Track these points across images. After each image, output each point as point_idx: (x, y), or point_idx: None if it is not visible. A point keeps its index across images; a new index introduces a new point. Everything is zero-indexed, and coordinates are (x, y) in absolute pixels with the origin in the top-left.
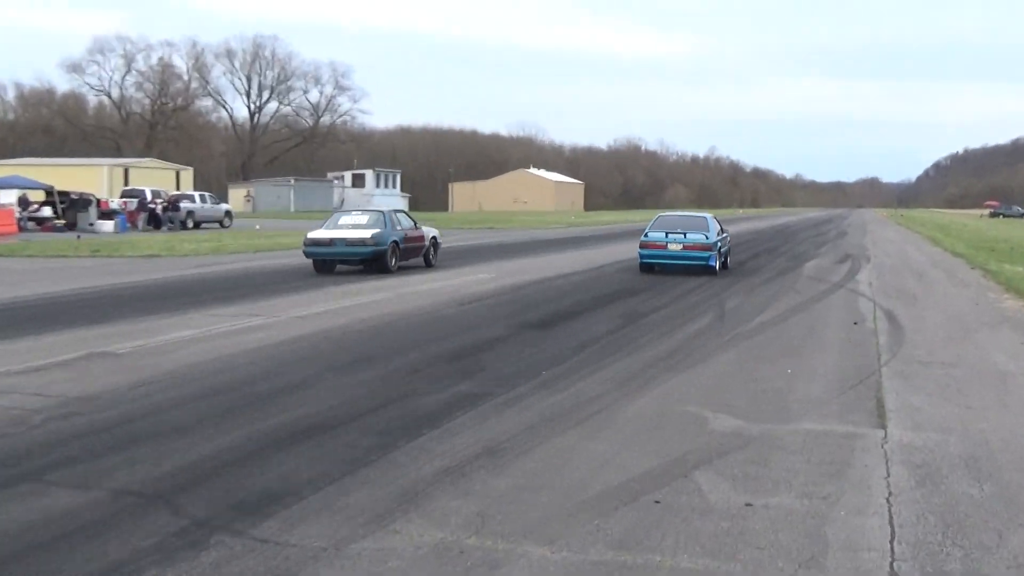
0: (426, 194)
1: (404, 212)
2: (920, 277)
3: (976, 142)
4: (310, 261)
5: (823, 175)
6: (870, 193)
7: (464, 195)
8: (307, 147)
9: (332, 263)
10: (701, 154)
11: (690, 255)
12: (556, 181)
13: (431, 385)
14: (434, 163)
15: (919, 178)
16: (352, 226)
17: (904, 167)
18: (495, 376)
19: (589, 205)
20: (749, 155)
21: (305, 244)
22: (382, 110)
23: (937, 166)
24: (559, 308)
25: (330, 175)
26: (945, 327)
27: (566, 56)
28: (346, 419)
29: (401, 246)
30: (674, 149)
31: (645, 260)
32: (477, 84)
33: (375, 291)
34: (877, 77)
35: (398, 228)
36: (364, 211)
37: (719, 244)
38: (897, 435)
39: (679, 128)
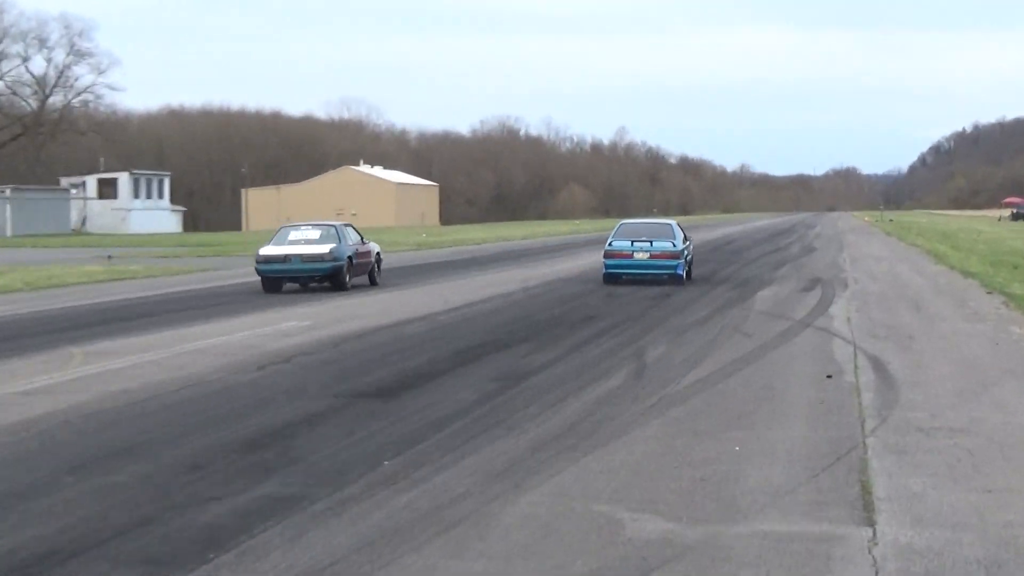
0: (208, 206)
1: (351, 226)
2: (918, 308)
3: (990, 115)
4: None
5: (779, 166)
6: (845, 190)
7: (265, 206)
8: (29, 141)
9: (283, 281)
10: (606, 139)
11: (657, 264)
12: (399, 183)
13: (221, 487)
14: (220, 161)
15: (913, 168)
16: (305, 241)
17: (891, 153)
18: (314, 470)
19: (448, 216)
20: (674, 140)
21: (257, 261)
22: (141, 85)
23: (937, 150)
24: (408, 367)
25: (65, 181)
26: (953, 379)
27: (410, 4)
28: (91, 544)
29: (354, 262)
30: (567, 133)
31: (610, 271)
32: (280, 45)
33: (144, 349)
34: (852, 26)
35: (350, 243)
36: (314, 225)
37: (685, 252)
38: (891, 535)
39: (574, 103)
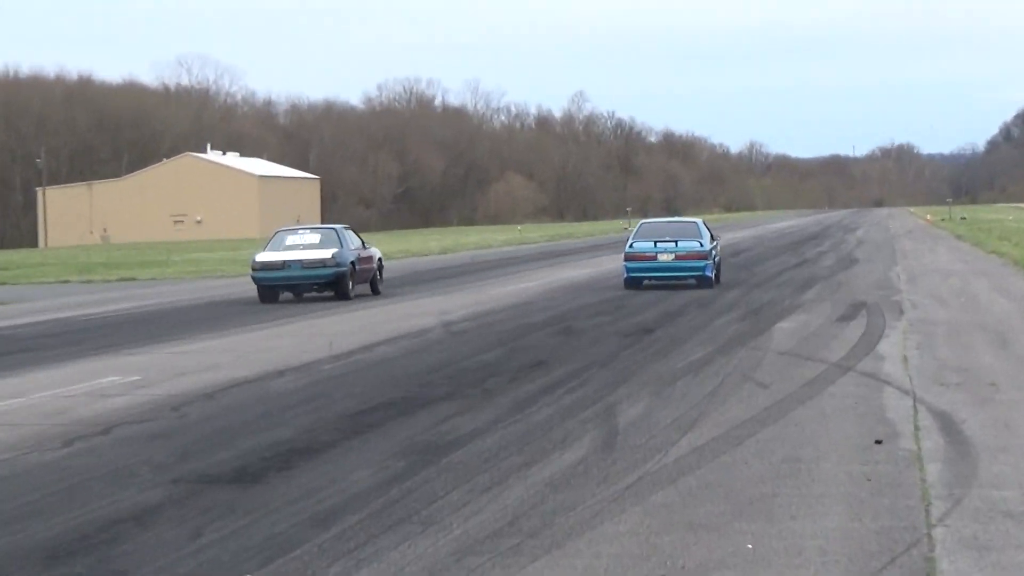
0: None
1: (351, 229)
2: (1004, 344)
3: None
4: (252, 289)
5: (805, 146)
6: (898, 178)
7: (70, 212)
8: None
9: (281, 290)
10: (557, 110)
11: (683, 266)
12: (263, 176)
13: None
14: (2, 149)
15: (992, 145)
16: (304, 246)
17: (962, 125)
18: None
19: (335, 222)
20: (654, 111)
21: (253, 269)
22: None
23: None
24: (279, 439)
25: None
26: None
27: None
28: None
29: (357, 268)
30: (501, 102)
31: (632, 274)
32: None
33: None
34: None
35: (352, 248)
36: (313, 229)
37: (713, 252)
38: None
39: (510, 60)
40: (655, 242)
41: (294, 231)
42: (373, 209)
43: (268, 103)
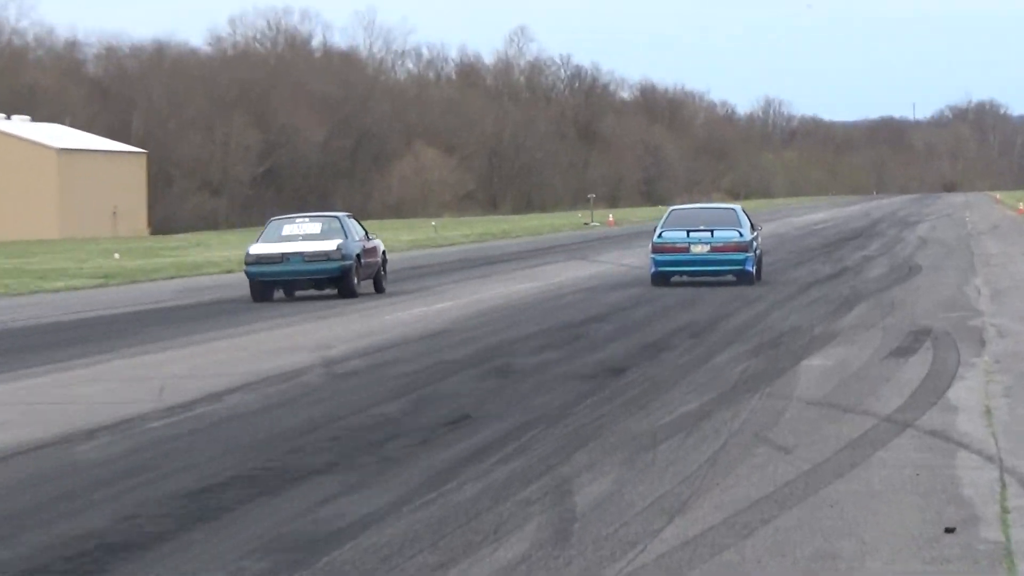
0: None
1: (352, 217)
2: None
3: None
4: (248, 285)
5: (847, 107)
6: (978, 151)
7: None
8: None
9: (277, 287)
10: (486, 54)
11: (721, 259)
12: (63, 149)
13: None
14: None
15: None
16: (304, 236)
17: None
18: None
19: (168, 213)
20: (627, 57)
21: (248, 263)
22: None
23: None
24: (84, 530)
25: None
26: None
27: None
28: None
29: (362, 261)
30: (408, 43)
31: (661, 268)
32: None
33: None
34: None
35: (356, 238)
36: (312, 217)
37: (754, 243)
38: None
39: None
40: (688, 231)
41: (291, 219)
42: (223, 196)
43: (72, 45)
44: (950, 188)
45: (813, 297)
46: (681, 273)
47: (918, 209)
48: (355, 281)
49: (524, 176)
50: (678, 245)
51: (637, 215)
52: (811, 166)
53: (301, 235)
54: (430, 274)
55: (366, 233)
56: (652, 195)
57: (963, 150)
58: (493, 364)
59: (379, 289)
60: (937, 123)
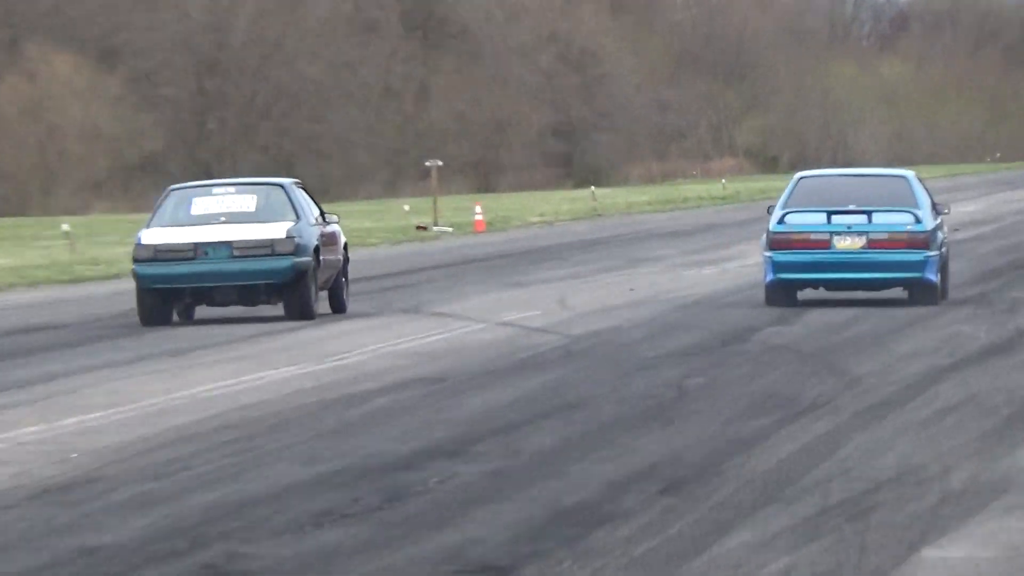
0: None
1: (301, 186)
2: None
3: None
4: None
5: None
6: None
7: None
8: None
9: (184, 299)
10: None
11: (885, 260)
12: None
13: None
14: None
15: None
16: (231, 217)
17: None
18: None
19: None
20: None
21: (139, 260)
22: None
23: None
24: None
25: None
26: None
27: None
28: None
29: (321, 260)
30: None
31: (786, 276)
32: None
33: None
34: None
35: (312, 221)
36: (240, 185)
37: (940, 235)
38: None
39: None
40: (828, 213)
41: (206, 189)
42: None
43: None
44: None
45: None
46: (818, 283)
47: None
48: (313, 291)
49: (280, 123)
50: (816, 237)
51: (537, 206)
52: (943, 97)
53: (226, 214)
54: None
55: (321, 212)
56: (570, 162)
57: None
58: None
59: (338, 306)
60: None
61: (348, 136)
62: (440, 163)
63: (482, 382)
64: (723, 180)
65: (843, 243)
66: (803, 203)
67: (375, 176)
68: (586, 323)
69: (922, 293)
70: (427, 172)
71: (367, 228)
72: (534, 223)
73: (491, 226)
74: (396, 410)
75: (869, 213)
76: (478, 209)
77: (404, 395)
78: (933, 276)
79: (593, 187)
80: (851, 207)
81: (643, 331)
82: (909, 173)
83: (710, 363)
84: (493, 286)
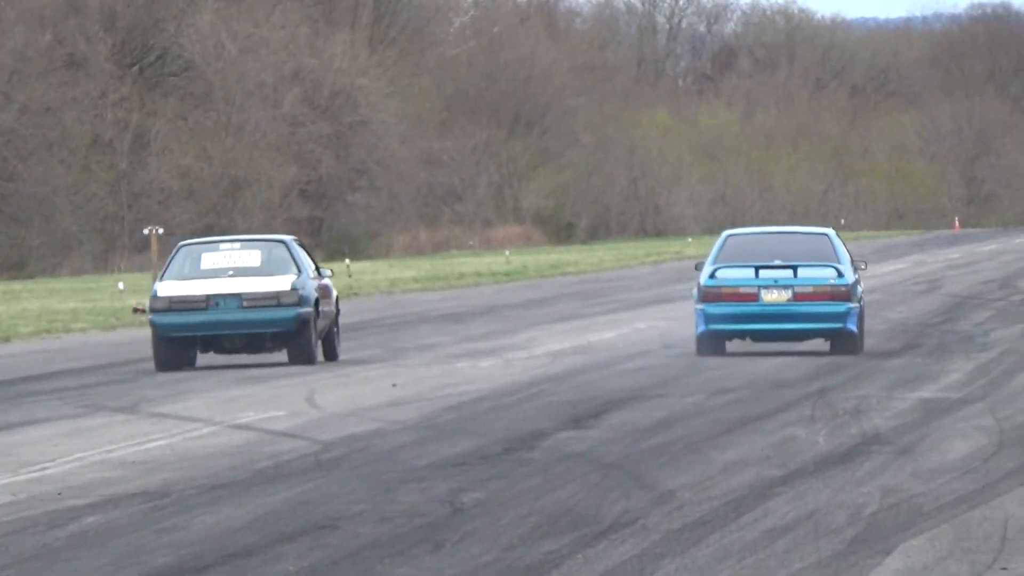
0: None
1: (299, 242)
2: None
3: None
4: (156, 341)
5: None
6: None
7: None
8: None
9: (197, 346)
10: None
11: (809, 312)
12: None
13: None
14: None
15: None
16: (237, 270)
17: None
18: None
19: None
20: None
21: (156, 309)
22: None
23: None
24: None
25: None
26: None
27: None
28: None
29: (320, 310)
30: None
31: (716, 327)
32: None
33: None
34: None
35: (311, 275)
36: (245, 241)
37: (859, 288)
38: None
39: None
40: (756, 268)
41: (213, 246)
42: None
43: None
44: None
45: None
46: (746, 334)
47: None
48: (314, 339)
49: None
50: (744, 292)
51: None
52: (777, 150)
53: (233, 268)
54: None
55: (316, 267)
56: (320, 229)
57: None
58: None
59: (330, 354)
60: None
61: (49, 197)
62: (161, 230)
63: (213, 497)
64: (507, 252)
65: (770, 296)
66: (732, 259)
67: (83, 246)
68: (340, 426)
69: (843, 343)
70: (146, 241)
71: (72, 310)
72: None
73: None
74: (109, 531)
75: (794, 268)
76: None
77: (119, 513)
78: (854, 327)
79: (348, 260)
80: (777, 262)
81: (409, 435)
82: (830, 231)
83: (490, 474)
84: (227, 380)
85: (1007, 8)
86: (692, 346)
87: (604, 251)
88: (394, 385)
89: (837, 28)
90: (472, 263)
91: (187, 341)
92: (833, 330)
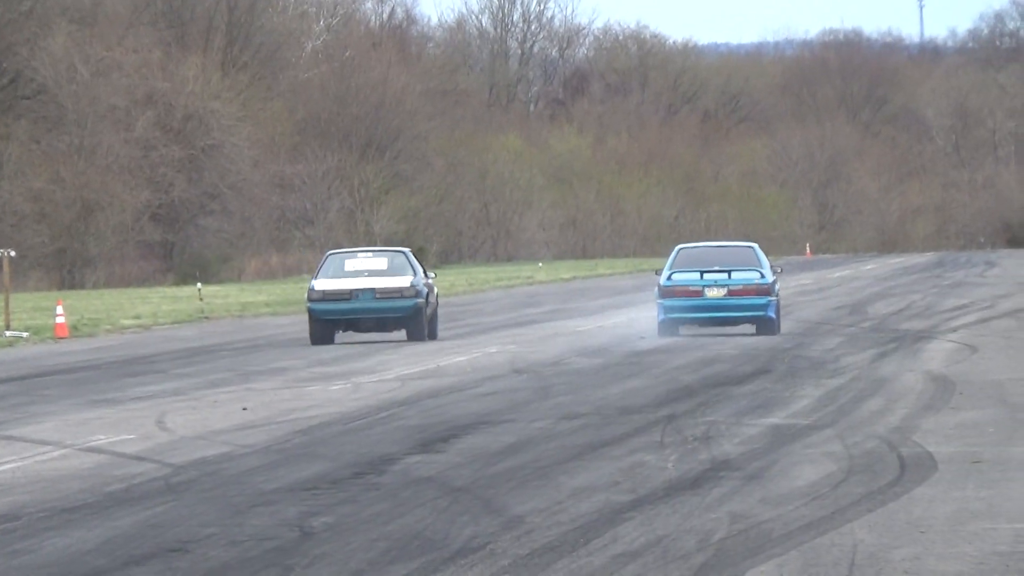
0: None
1: (413, 252)
2: None
3: None
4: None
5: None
6: None
7: None
8: None
9: (342, 326)
10: None
11: (740, 304)
12: None
13: None
14: None
15: None
16: (371, 272)
17: None
18: None
19: None
20: None
21: (312, 299)
22: None
23: None
24: None
25: None
26: None
27: None
28: None
29: (428, 301)
30: None
31: (670, 316)
32: None
33: None
34: None
35: (422, 276)
36: (377, 251)
37: (776, 287)
38: None
39: None
40: (701, 272)
41: (352, 254)
42: None
43: None
44: None
45: None
46: (694, 321)
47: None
48: (425, 322)
49: None
50: (692, 289)
51: (132, 307)
52: (628, 175)
53: (368, 271)
54: None
55: (424, 271)
56: (172, 253)
57: None
58: None
59: (432, 334)
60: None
61: None
62: (12, 253)
63: (64, 520)
64: None
65: (712, 292)
66: (683, 265)
67: None
68: (191, 449)
69: (765, 326)
70: None
71: None
72: (128, 327)
73: (76, 331)
74: None
75: (729, 271)
76: (60, 310)
77: None
78: (773, 314)
79: (200, 284)
80: (716, 268)
81: (259, 459)
82: (754, 244)
83: (339, 499)
84: (77, 404)
85: (858, 34)
86: (542, 370)
87: (455, 275)
88: (244, 409)
89: (689, 53)
90: None
91: (334, 323)
92: (758, 317)
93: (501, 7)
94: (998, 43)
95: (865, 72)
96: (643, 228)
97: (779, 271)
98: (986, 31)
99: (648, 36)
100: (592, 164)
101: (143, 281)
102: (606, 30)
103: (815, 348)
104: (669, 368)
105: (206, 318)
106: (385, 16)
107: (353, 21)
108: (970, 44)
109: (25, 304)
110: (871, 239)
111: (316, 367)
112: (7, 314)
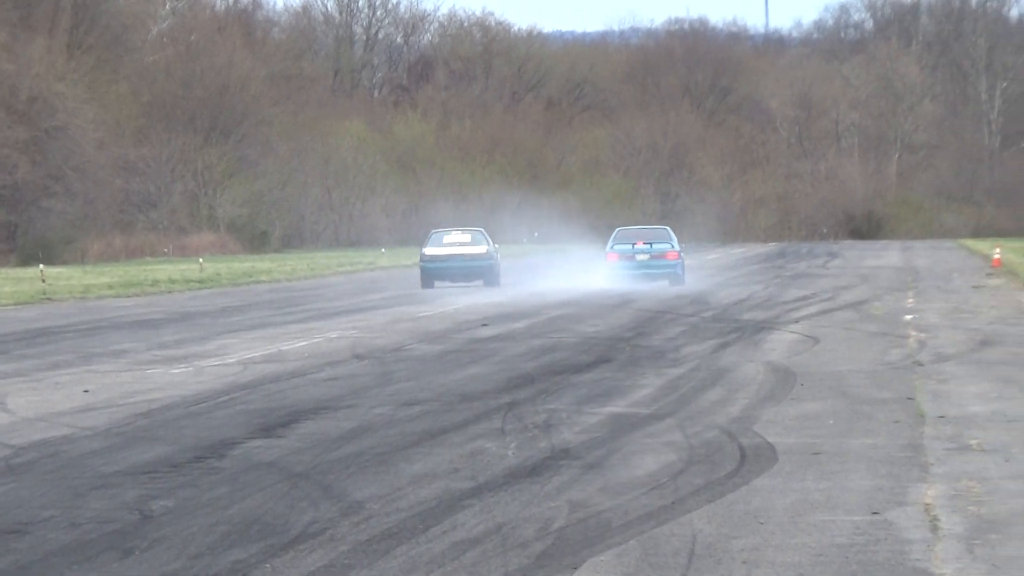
0: None
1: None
2: None
3: None
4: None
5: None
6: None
7: None
8: None
9: (442, 278)
10: None
11: (659, 264)
12: None
13: None
14: None
15: None
16: (460, 243)
17: None
18: None
19: None
20: None
21: (423, 260)
22: None
23: None
24: None
25: None
26: None
27: None
28: None
29: (497, 262)
30: None
31: (614, 271)
32: None
33: None
34: None
35: (493, 247)
36: (463, 230)
37: (682, 253)
38: None
39: None
40: (632, 244)
41: (447, 232)
42: None
43: None
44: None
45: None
46: (630, 275)
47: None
48: (497, 276)
49: None
50: (626, 254)
51: None
52: (471, 162)
53: (457, 242)
54: None
55: (492, 243)
56: (15, 234)
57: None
58: None
59: (496, 283)
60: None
61: None
62: None
63: None
64: (201, 260)
65: (640, 256)
66: (620, 240)
67: None
68: (31, 431)
69: (676, 279)
70: None
71: None
72: None
73: None
74: None
75: (651, 243)
76: None
77: None
78: (681, 272)
79: (42, 265)
80: (642, 241)
81: (99, 442)
82: (667, 227)
83: (179, 482)
84: None
85: (704, 23)
86: (383, 356)
87: (297, 260)
88: (86, 391)
89: (534, 41)
90: (166, 270)
91: (436, 273)
92: (671, 273)
93: None
94: (843, 35)
95: (710, 62)
96: (484, 215)
97: (682, 245)
98: (831, 22)
99: (493, 23)
100: (435, 151)
101: None
102: (451, 16)
103: (656, 337)
104: (510, 356)
105: (49, 299)
106: (231, 0)
107: (199, 5)
108: (815, 35)
109: None
110: (713, 228)
111: (157, 350)
112: None
